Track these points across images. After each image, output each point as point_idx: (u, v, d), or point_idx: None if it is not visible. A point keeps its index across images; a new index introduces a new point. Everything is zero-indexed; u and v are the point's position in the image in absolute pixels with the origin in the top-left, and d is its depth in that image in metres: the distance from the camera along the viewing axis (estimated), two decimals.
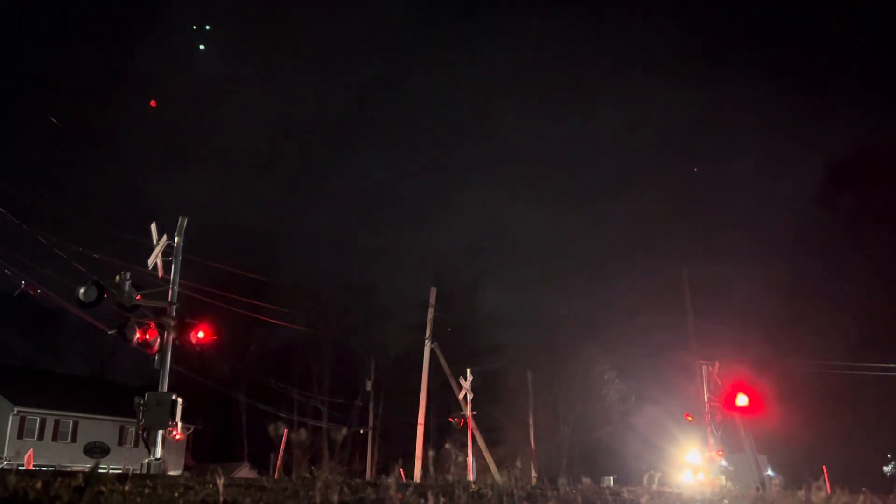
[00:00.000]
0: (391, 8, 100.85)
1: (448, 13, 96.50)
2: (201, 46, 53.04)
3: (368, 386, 48.03)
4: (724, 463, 29.91)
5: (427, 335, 32.47)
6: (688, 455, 41.70)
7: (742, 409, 27.51)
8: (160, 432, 16.54)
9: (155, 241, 17.65)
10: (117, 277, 16.52)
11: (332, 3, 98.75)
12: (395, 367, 52.07)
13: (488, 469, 31.33)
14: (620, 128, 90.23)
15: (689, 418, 30.04)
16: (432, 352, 32.39)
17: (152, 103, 58.40)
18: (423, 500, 6.05)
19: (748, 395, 26.97)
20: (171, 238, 18.00)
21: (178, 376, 19.65)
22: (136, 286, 16.80)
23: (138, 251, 18.30)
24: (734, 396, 27.13)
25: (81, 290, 16.35)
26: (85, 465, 35.93)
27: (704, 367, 28.96)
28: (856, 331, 45.81)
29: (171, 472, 17.52)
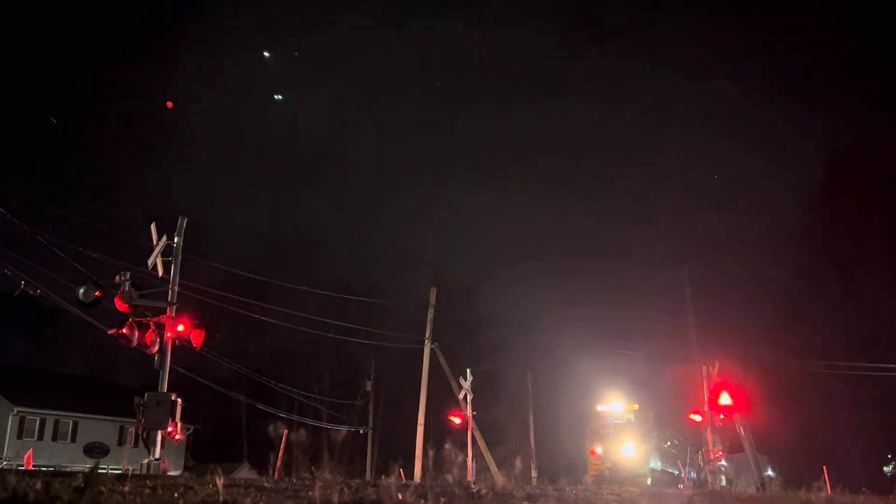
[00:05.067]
0: (383, 11, 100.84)
1: (450, 15, 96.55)
2: (278, 97, 52.22)
3: (368, 386, 48.00)
4: (724, 463, 29.89)
5: (427, 335, 32.44)
6: (608, 405, 32.89)
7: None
8: (160, 432, 16.55)
9: (155, 241, 17.66)
10: (117, 277, 16.53)
11: None
12: (395, 367, 52.02)
13: (488, 469, 31.31)
14: (621, 128, 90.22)
15: (693, 417, 29.66)
16: (432, 352, 32.37)
17: (168, 104, 58.10)
18: (422, 501, 6.05)
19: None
20: (170, 238, 18.02)
21: (177, 376, 19.64)
22: (136, 286, 16.81)
23: (138, 251, 18.30)
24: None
25: (81, 290, 16.36)
26: (85, 466, 35.94)
27: (705, 367, 28.90)
28: (856, 331, 45.81)
29: (171, 473, 17.53)
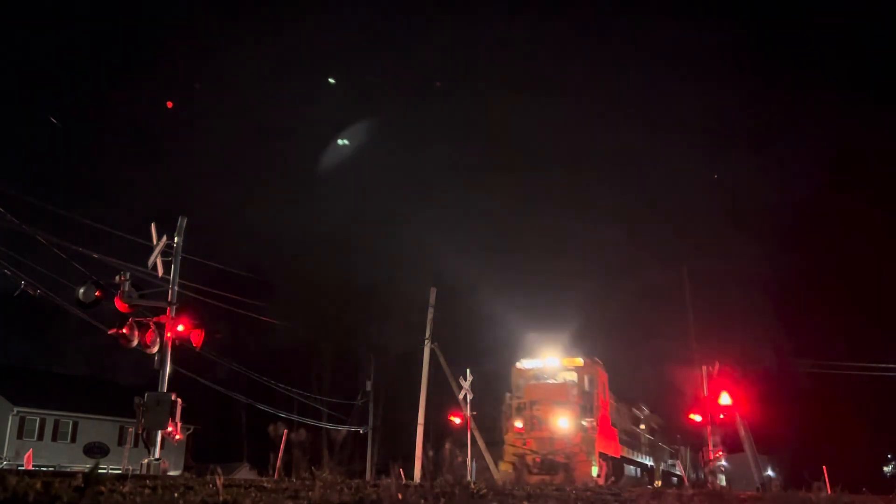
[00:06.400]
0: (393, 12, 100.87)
1: (444, 17, 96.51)
2: (343, 142, 50.83)
3: (368, 386, 48.00)
4: (724, 463, 29.83)
5: (427, 335, 32.44)
6: (538, 359, 24.05)
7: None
8: (160, 432, 16.56)
9: (155, 242, 17.68)
10: (117, 277, 16.55)
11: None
12: (395, 367, 52.04)
13: (488, 469, 31.26)
14: (619, 129, 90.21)
15: (693, 417, 29.41)
16: (432, 352, 32.37)
17: (168, 104, 57.88)
18: (423, 501, 6.05)
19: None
20: (170, 238, 18.04)
21: (177, 376, 19.64)
22: (136, 286, 16.84)
23: (138, 251, 18.32)
24: (734, 396, 27.17)
25: (81, 290, 16.37)
26: (85, 465, 35.91)
27: (704, 367, 28.88)
28: (856, 331, 45.86)
29: (171, 473, 17.53)
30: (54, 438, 43.07)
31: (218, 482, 6.04)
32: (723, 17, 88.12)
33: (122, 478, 7.53)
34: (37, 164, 74.85)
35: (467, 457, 30.37)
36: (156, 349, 17.10)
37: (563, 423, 21.65)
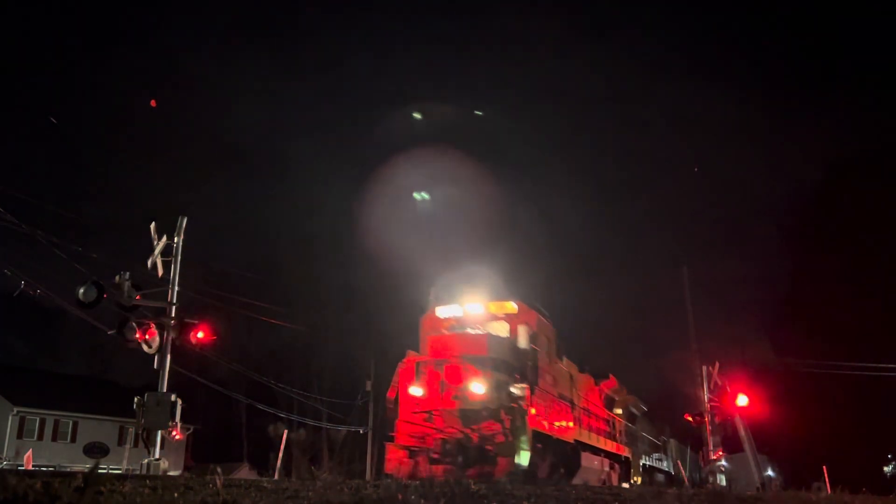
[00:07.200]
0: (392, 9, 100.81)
1: (452, 18, 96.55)
2: (421, 195, 49.89)
3: (368, 386, 47.97)
4: (724, 463, 29.82)
5: None
6: (458, 304, 18.16)
7: (742, 409, 27.66)
8: (160, 432, 16.57)
9: (155, 242, 17.67)
10: (117, 277, 16.55)
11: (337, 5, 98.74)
12: (395, 367, 51.94)
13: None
14: (618, 129, 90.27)
15: (690, 419, 29.41)
16: None
17: (152, 103, 57.70)
18: (423, 501, 6.06)
19: (748, 396, 27.22)
20: (170, 238, 18.04)
21: (177, 376, 19.65)
22: (136, 286, 16.84)
23: (138, 251, 18.33)
24: (735, 397, 27.33)
25: (81, 290, 16.36)
26: (85, 465, 35.92)
27: (704, 367, 28.96)
28: (855, 331, 45.87)
29: (171, 473, 17.54)
30: (54, 438, 43.07)
31: (218, 482, 6.04)
32: (723, 15, 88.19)
33: (122, 478, 7.53)
34: (36, 164, 74.82)
35: None
36: (156, 349, 17.10)
37: (479, 388, 15.29)
